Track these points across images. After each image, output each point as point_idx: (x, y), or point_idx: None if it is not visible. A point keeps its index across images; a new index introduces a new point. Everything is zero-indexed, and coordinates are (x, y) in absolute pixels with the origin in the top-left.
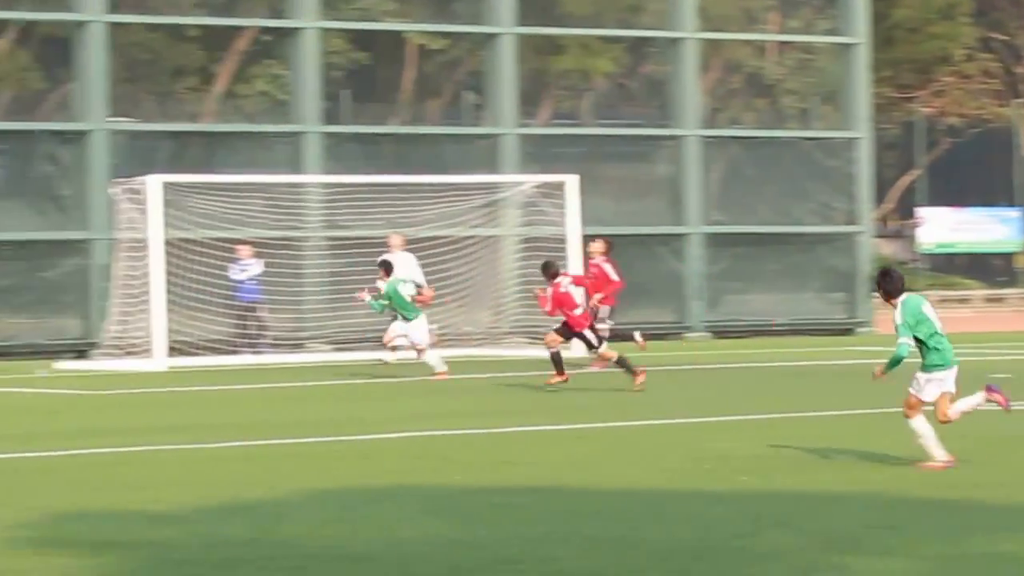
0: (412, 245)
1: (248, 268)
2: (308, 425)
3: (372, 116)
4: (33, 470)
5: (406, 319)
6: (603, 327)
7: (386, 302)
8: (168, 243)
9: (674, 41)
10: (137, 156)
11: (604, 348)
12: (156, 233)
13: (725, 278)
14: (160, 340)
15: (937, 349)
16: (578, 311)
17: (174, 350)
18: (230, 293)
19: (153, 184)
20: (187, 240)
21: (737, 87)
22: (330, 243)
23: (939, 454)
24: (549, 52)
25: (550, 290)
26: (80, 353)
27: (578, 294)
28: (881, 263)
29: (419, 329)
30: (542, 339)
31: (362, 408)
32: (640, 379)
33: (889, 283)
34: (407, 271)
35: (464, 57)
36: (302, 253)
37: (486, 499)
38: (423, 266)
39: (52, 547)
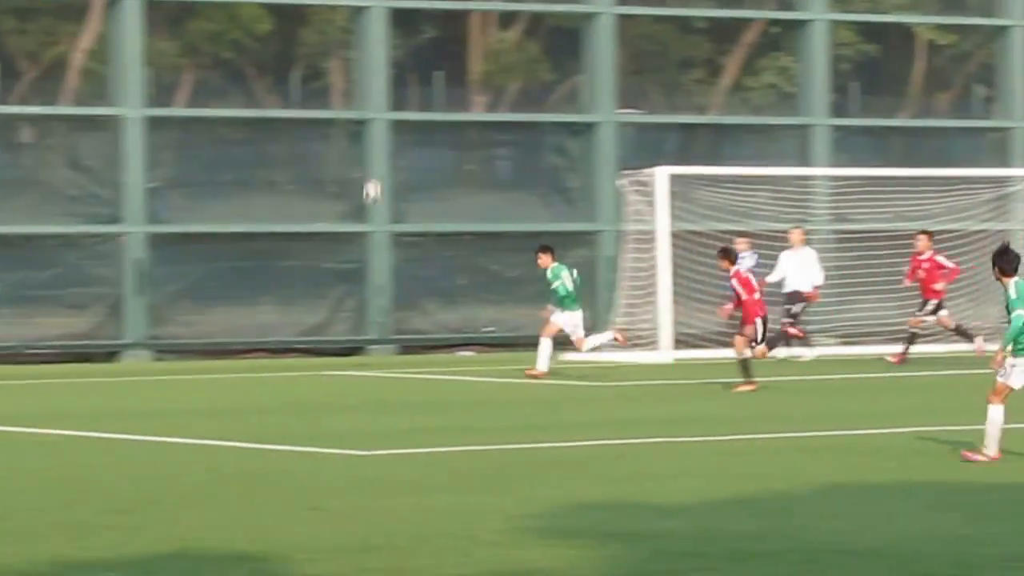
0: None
1: (743, 260)
2: (811, 419)
3: (880, 109)
4: (538, 461)
5: (563, 308)
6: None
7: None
8: (674, 235)
9: None
10: (644, 148)
11: (762, 347)
12: (663, 225)
13: None
14: (666, 332)
15: None
16: (756, 295)
17: (680, 342)
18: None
19: (660, 176)
20: (693, 232)
21: None
22: (838, 236)
23: (992, 450)
24: None
25: (735, 280)
26: None
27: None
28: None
29: (576, 321)
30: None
31: (869, 402)
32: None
33: (1005, 261)
34: (805, 267)
35: (974, 50)
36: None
37: (996, 495)
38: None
39: (556, 538)
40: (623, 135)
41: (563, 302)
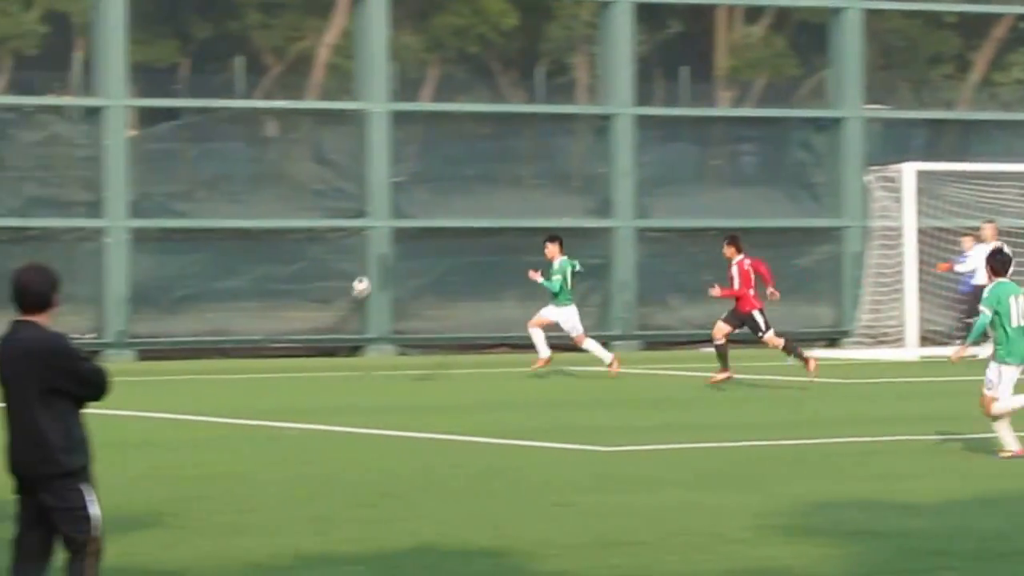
0: None
1: (968, 259)
2: None
3: None
4: (784, 458)
5: (557, 304)
6: None
7: (559, 278)
8: (921, 231)
9: None
10: (891, 144)
11: (770, 334)
12: (910, 221)
13: None
14: (912, 329)
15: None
16: (751, 291)
17: (925, 339)
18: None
19: (908, 172)
20: (940, 229)
21: None
22: None
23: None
24: None
25: (736, 268)
26: (831, 341)
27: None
28: None
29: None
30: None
31: None
32: (811, 365)
33: (996, 261)
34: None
35: None
36: None
37: None
38: None
39: (801, 536)
40: (870, 131)
41: (558, 297)
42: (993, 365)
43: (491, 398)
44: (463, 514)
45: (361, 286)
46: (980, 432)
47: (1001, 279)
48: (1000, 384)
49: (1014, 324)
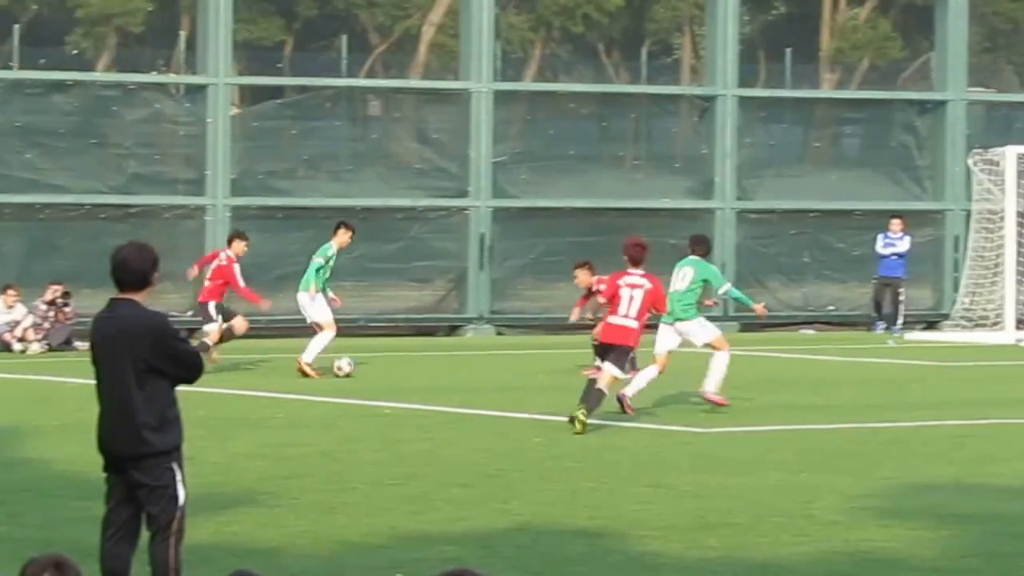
0: None
1: (895, 243)
2: None
3: None
4: (880, 441)
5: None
6: None
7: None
8: (1021, 215)
9: None
10: (995, 127)
11: None
12: (1011, 205)
13: None
14: (1010, 312)
15: None
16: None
17: (1023, 323)
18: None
19: (1010, 155)
20: None
21: None
22: None
23: None
24: None
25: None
26: (930, 324)
27: None
28: None
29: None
30: None
31: None
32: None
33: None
34: None
35: None
36: None
37: None
38: None
39: (894, 518)
40: (973, 113)
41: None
42: None
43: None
44: (559, 494)
45: (346, 368)
46: None
47: None
48: None
49: None
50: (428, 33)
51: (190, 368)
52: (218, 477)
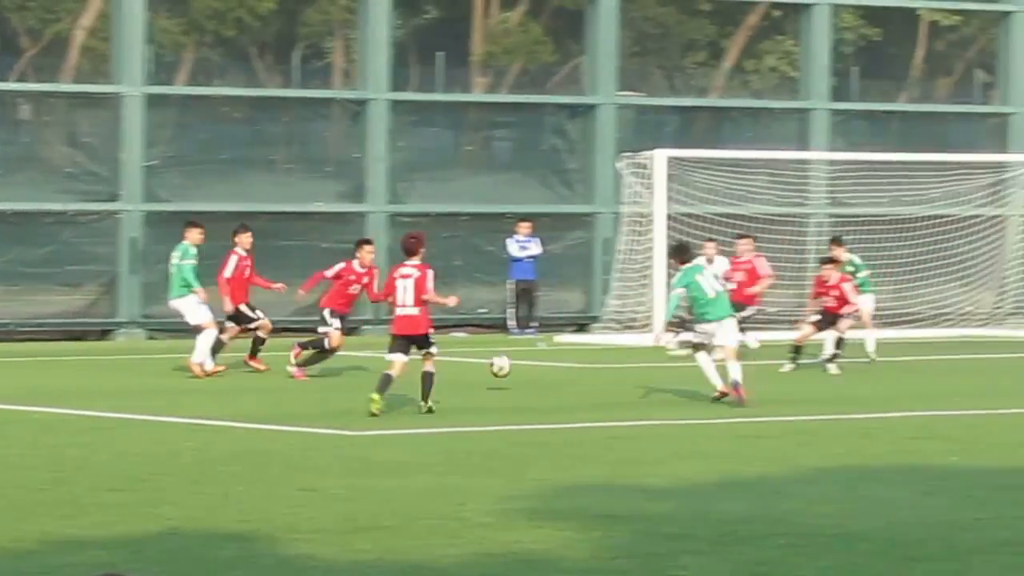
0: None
1: (528, 246)
2: (802, 403)
3: (880, 93)
4: (531, 443)
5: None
6: None
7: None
8: (671, 218)
9: None
10: (644, 130)
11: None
12: (659, 208)
13: None
14: (659, 316)
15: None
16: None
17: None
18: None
19: (659, 159)
20: (690, 215)
21: None
22: (833, 220)
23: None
24: None
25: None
26: (581, 327)
27: None
28: None
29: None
30: None
31: (861, 386)
32: None
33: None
34: None
35: (976, 35)
36: (805, 230)
37: (986, 480)
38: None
39: (545, 520)
40: (623, 117)
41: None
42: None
43: (240, 384)
44: (210, 499)
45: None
46: (727, 416)
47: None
48: None
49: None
50: (79, 36)
51: None
52: None
